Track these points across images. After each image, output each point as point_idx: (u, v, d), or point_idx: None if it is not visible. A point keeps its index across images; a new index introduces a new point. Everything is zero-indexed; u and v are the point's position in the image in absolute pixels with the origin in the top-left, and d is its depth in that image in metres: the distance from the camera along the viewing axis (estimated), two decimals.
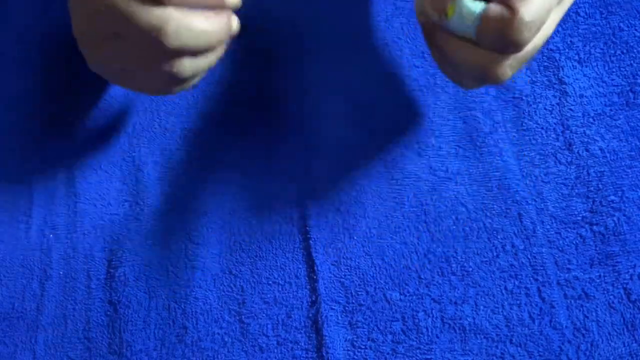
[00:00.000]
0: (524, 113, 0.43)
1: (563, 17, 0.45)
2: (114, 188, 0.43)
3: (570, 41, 0.44)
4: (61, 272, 0.41)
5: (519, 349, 0.38)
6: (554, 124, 0.43)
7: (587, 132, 0.42)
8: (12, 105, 0.46)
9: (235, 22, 0.35)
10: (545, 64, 0.44)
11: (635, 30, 0.44)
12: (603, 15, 0.44)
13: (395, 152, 0.42)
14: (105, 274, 0.41)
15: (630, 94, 0.43)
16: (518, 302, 0.39)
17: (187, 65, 0.33)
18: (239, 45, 0.46)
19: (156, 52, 0.31)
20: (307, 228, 0.41)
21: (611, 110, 0.43)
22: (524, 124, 0.43)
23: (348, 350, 0.38)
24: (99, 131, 0.45)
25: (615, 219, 0.40)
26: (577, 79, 0.43)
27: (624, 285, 0.39)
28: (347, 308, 0.39)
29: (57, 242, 0.42)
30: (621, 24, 0.44)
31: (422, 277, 0.40)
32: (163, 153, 0.44)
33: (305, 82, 0.45)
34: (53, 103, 0.46)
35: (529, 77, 0.44)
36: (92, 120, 0.45)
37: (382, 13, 0.46)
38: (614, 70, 0.43)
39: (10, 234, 0.43)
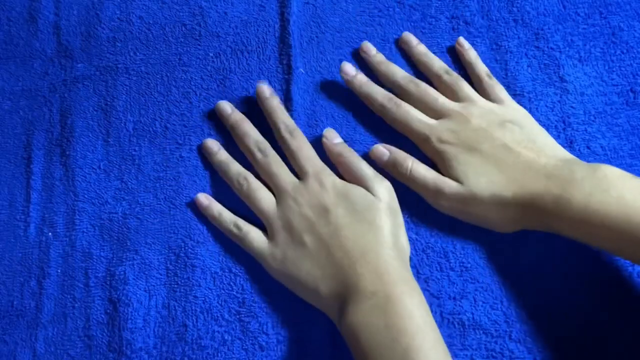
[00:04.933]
0: (526, 110, 0.42)
1: (564, 16, 0.45)
2: (113, 187, 0.43)
3: (571, 39, 0.44)
4: (59, 270, 0.41)
5: (518, 344, 0.38)
6: (556, 121, 0.42)
7: (589, 129, 0.42)
8: (13, 102, 0.46)
9: None
10: (546, 61, 0.44)
11: (635, 30, 0.44)
12: (603, 15, 0.44)
13: (395, 146, 0.42)
14: (104, 272, 0.41)
15: (630, 93, 0.43)
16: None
17: None
18: (237, 44, 0.45)
19: None
20: None
21: (611, 109, 0.43)
22: None
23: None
24: (99, 129, 0.45)
25: None
26: (577, 77, 0.43)
27: None
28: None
29: (56, 240, 0.42)
30: (621, 24, 0.44)
31: (421, 272, 0.40)
32: (163, 152, 0.44)
33: (305, 82, 0.45)
34: (52, 102, 0.46)
35: (530, 74, 0.43)
36: (91, 119, 0.45)
37: (384, 9, 0.46)
38: (614, 69, 0.43)
39: (8, 232, 0.42)
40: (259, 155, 0.41)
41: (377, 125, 0.43)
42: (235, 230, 0.40)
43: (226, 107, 0.43)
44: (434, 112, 0.41)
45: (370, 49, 0.43)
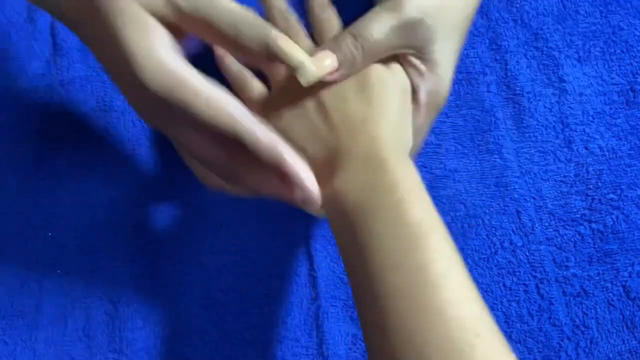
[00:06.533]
0: (524, 110, 0.42)
1: (563, 16, 0.45)
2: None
3: (570, 39, 0.44)
4: (59, 270, 0.41)
5: (518, 345, 0.38)
6: (554, 121, 0.42)
7: (587, 130, 0.42)
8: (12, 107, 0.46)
9: None
10: (545, 62, 0.44)
11: (635, 29, 0.44)
12: (603, 14, 0.44)
13: None
14: (106, 271, 0.41)
15: (630, 92, 0.43)
16: (517, 298, 0.39)
17: None
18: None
19: None
20: (308, 225, 0.41)
21: (611, 108, 0.43)
22: (524, 121, 0.42)
23: (349, 344, 0.39)
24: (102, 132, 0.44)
25: (613, 217, 0.40)
26: (576, 77, 0.43)
27: (623, 283, 0.39)
28: (347, 303, 0.40)
29: (55, 238, 0.42)
30: (621, 23, 0.44)
31: None
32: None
33: None
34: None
35: (529, 74, 0.43)
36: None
37: None
38: (613, 69, 0.43)
39: (7, 230, 0.42)
40: (282, 22, 0.38)
41: None
42: (239, 75, 0.39)
43: None
44: None
45: None
